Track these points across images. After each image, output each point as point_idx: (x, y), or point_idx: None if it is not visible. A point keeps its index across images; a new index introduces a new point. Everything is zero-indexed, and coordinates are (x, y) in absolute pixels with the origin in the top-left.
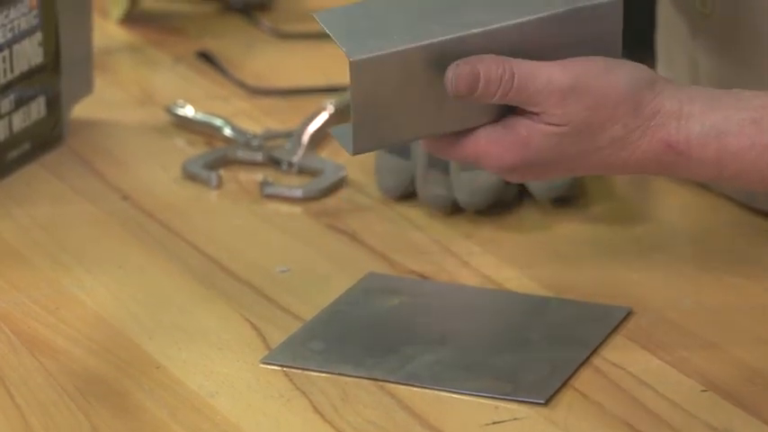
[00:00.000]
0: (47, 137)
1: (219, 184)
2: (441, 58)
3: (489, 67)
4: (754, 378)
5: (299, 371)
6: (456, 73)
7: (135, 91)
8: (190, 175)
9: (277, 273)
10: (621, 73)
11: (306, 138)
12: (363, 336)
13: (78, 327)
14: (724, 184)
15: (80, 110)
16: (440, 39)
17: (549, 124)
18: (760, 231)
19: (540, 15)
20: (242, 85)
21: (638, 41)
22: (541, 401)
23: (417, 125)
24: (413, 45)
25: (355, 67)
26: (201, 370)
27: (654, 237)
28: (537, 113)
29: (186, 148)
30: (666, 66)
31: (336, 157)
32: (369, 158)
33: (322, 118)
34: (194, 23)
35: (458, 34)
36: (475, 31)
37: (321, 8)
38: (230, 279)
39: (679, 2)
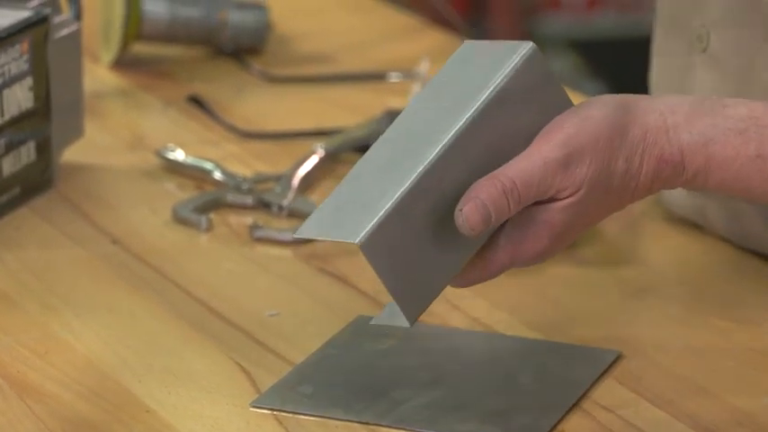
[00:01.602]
0: (37, 181)
1: (210, 228)
2: (430, 191)
3: (489, 192)
4: (743, 421)
5: (290, 414)
6: (465, 217)
7: (125, 135)
8: (180, 219)
9: (267, 316)
10: (595, 113)
11: (296, 181)
12: (353, 379)
13: (67, 371)
14: (708, 192)
15: (70, 154)
16: (417, 176)
17: (565, 198)
18: (749, 274)
19: (480, 104)
20: (232, 128)
21: (632, 85)
22: None
23: (445, 262)
24: (399, 196)
25: (367, 248)
26: (191, 414)
27: (643, 279)
28: (547, 199)
29: (176, 192)
30: None
31: None
32: None
33: (312, 161)
34: (185, 68)
35: (431, 161)
36: (440, 151)
37: (310, 53)
38: (220, 322)
39: (673, 40)
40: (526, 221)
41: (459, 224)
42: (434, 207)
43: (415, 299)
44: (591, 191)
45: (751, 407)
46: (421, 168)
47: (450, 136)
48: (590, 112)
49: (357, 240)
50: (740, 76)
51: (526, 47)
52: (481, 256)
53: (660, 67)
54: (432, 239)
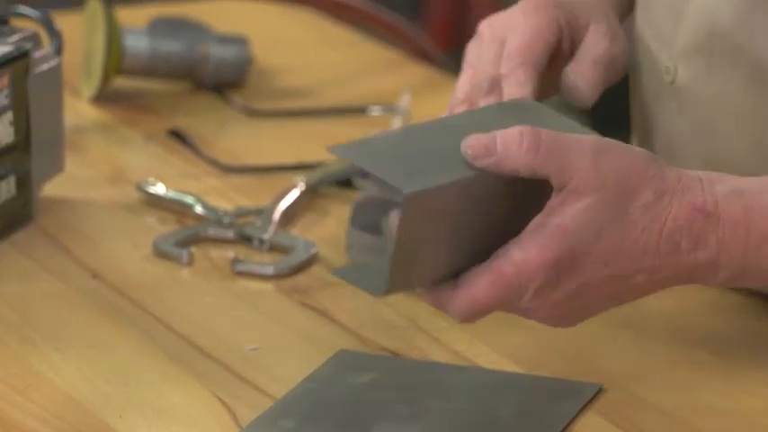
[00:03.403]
0: (16, 215)
1: (190, 262)
2: (479, 190)
3: (506, 131)
4: None
5: None
6: (472, 139)
7: (106, 169)
8: (161, 253)
9: (248, 350)
10: (631, 147)
11: (277, 215)
12: (335, 414)
13: (47, 406)
14: (753, 262)
15: (50, 188)
16: (478, 174)
17: (582, 196)
18: (731, 308)
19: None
20: (213, 162)
21: (613, 116)
22: None
23: (447, 261)
24: (461, 177)
25: (409, 202)
26: None
27: (624, 312)
28: (567, 186)
29: (157, 226)
30: (643, 138)
31: (307, 234)
32: (340, 235)
33: (293, 195)
34: (166, 102)
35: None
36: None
37: (291, 87)
38: (201, 357)
39: (645, 75)
40: (539, 227)
41: (464, 144)
42: (474, 206)
43: (405, 275)
44: (610, 200)
45: None
46: (473, 174)
47: None
48: (626, 146)
49: (405, 191)
50: (710, 106)
51: None
52: (489, 265)
53: (635, 102)
54: (453, 231)
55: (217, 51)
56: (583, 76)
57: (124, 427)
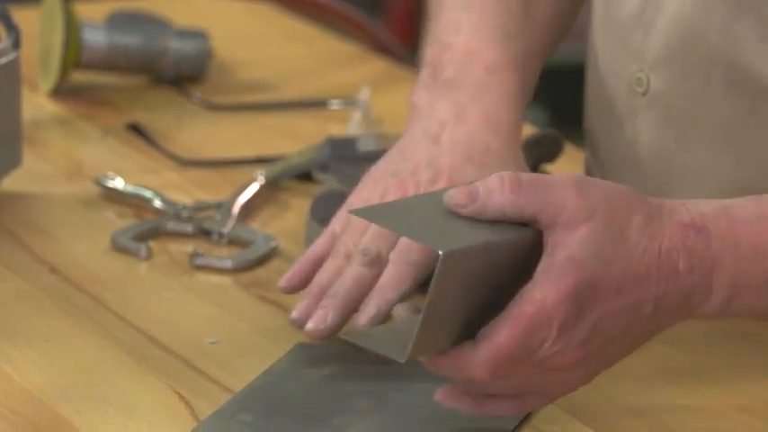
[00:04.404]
0: None
1: (149, 256)
2: (502, 253)
3: (486, 179)
4: None
5: None
6: (453, 190)
7: (64, 164)
8: (119, 248)
9: (206, 344)
10: (608, 181)
11: (236, 209)
12: (293, 407)
13: (4, 402)
14: (743, 280)
15: (8, 183)
16: (495, 240)
17: (577, 227)
18: None
19: None
20: (172, 156)
21: (572, 112)
22: None
23: (467, 325)
24: (494, 239)
25: (447, 260)
26: None
27: None
28: (559, 222)
29: (116, 221)
30: (602, 147)
31: (267, 228)
32: (299, 229)
33: (252, 189)
34: (124, 96)
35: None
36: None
37: (251, 81)
38: (159, 351)
39: (610, 86)
40: (548, 266)
41: (447, 193)
42: (489, 277)
43: (431, 338)
44: (605, 225)
45: (681, 427)
46: (499, 238)
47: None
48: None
49: (444, 249)
50: (685, 117)
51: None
52: (509, 313)
53: (597, 113)
54: (470, 303)
55: (176, 45)
56: None
57: (82, 422)
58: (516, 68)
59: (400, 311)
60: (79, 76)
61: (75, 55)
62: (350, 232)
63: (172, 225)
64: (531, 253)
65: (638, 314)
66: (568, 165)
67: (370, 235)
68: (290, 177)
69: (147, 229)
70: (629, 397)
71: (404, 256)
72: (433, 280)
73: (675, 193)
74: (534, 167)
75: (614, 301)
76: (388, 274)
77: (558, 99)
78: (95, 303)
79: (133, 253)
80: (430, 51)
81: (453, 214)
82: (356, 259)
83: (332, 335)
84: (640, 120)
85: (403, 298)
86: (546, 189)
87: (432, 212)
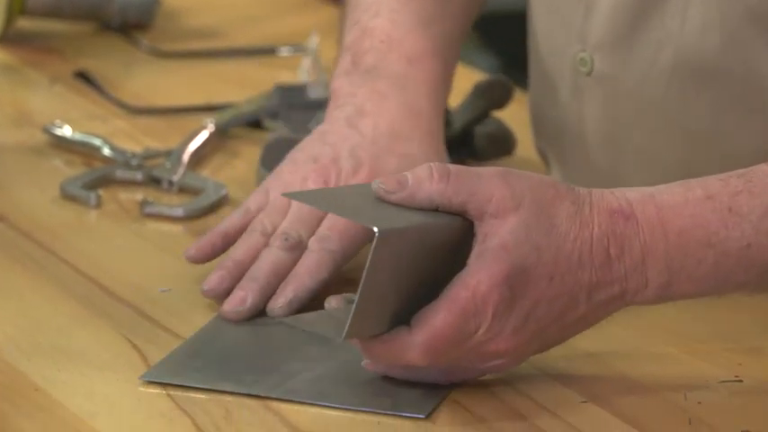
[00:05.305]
0: None
1: (99, 204)
2: (438, 237)
3: (415, 168)
4: (633, 389)
5: (181, 391)
6: (382, 177)
7: (11, 111)
8: (68, 196)
9: (158, 292)
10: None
11: (186, 156)
12: (244, 353)
13: None
14: (676, 265)
15: None
16: (429, 221)
17: (506, 216)
18: None
19: None
20: (121, 104)
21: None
22: (422, 416)
23: (402, 308)
24: (428, 221)
25: (383, 238)
26: (81, 391)
27: None
28: (487, 211)
29: (64, 169)
30: (548, 124)
31: (217, 175)
32: (250, 176)
33: (202, 137)
34: (71, 43)
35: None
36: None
37: (199, 28)
38: (110, 299)
39: (551, 66)
40: (481, 253)
41: (377, 181)
42: (424, 260)
43: (366, 319)
44: (534, 214)
45: (638, 373)
46: (432, 221)
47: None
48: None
49: (379, 228)
50: (631, 98)
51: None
52: (442, 301)
53: (541, 92)
54: (405, 286)
55: None
56: None
57: (32, 371)
58: (437, 56)
59: (333, 303)
60: (25, 23)
61: (20, 2)
62: (268, 212)
63: (121, 173)
64: (462, 242)
65: (571, 302)
66: (518, 110)
67: (290, 219)
68: (240, 125)
69: (97, 177)
70: (582, 342)
71: (324, 243)
72: (368, 258)
73: (623, 173)
74: (485, 114)
75: (547, 288)
76: (307, 260)
77: (509, 45)
78: (45, 252)
79: (83, 201)
80: (349, 36)
81: (382, 202)
82: (276, 243)
83: (249, 317)
84: (586, 99)
85: (320, 286)
86: (473, 180)
87: (362, 199)
